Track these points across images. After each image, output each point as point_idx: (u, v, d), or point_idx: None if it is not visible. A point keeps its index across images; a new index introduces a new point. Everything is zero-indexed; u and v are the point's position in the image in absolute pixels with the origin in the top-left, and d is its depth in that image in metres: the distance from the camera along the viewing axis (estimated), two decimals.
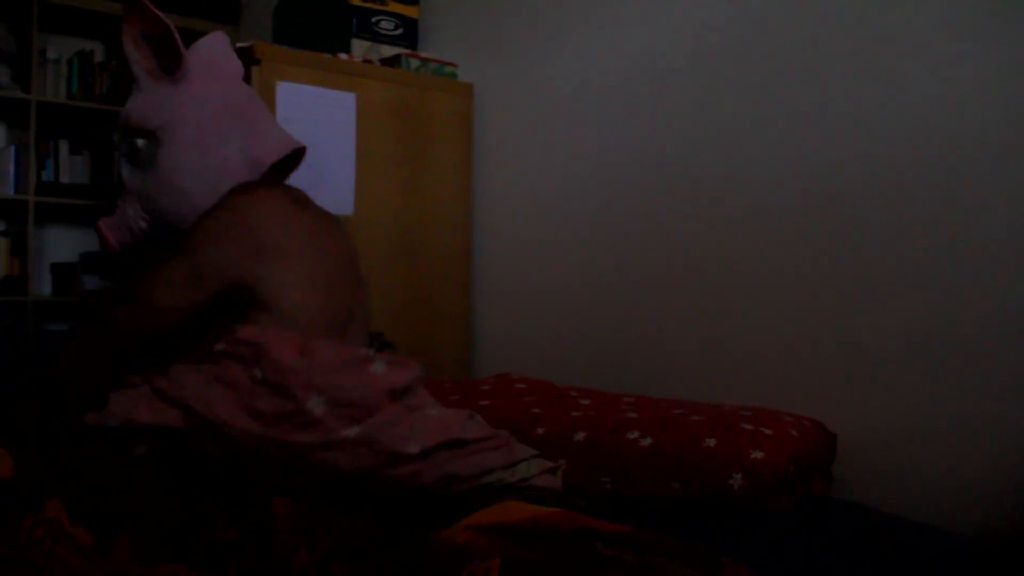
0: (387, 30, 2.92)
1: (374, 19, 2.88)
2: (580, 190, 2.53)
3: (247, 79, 2.40)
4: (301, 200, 1.63)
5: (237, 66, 1.73)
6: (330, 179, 2.51)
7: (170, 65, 1.57)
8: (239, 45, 2.51)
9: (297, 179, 2.44)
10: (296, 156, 1.75)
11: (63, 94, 3.98)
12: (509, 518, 1.06)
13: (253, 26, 4.05)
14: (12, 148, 3.85)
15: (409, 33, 2.96)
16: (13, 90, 3.74)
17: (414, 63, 2.77)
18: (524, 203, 2.70)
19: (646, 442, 1.63)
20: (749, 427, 1.62)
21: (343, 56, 2.68)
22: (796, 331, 2.01)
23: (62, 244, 4.09)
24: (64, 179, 3.95)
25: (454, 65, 2.87)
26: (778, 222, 2.05)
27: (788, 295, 2.03)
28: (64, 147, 3.97)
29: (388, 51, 2.86)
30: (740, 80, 2.15)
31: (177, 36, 1.55)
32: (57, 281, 3.97)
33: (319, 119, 2.49)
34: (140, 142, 1.56)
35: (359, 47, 2.83)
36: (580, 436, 1.70)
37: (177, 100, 1.57)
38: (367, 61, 2.72)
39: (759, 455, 1.52)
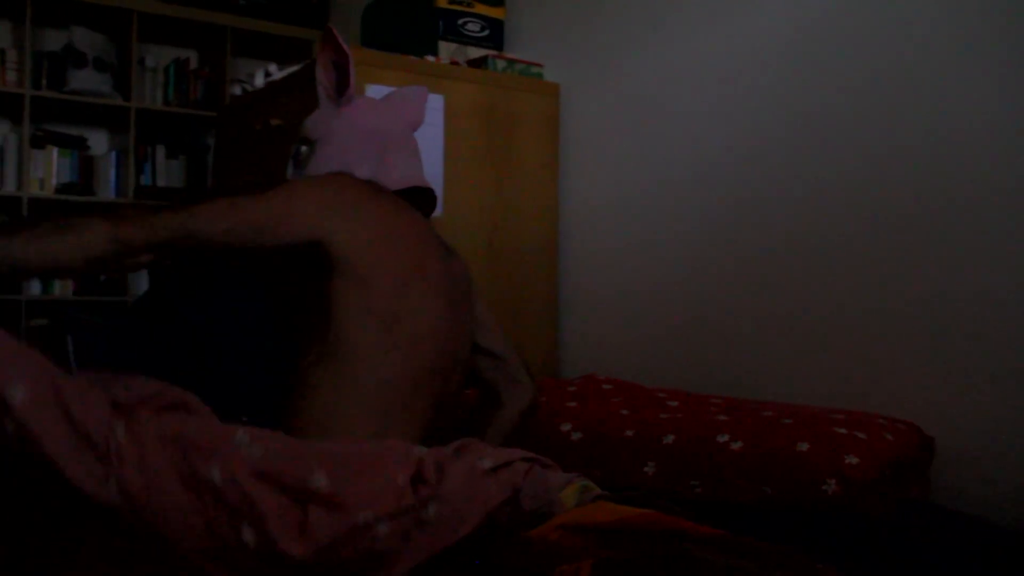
0: (473, 32, 2.94)
1: (460, 21, 2.90)
2: (668, 189, 2.50)
3: None
4: (404, 207, 1.61)
5: (412, 113, 1.81)
6: None
7: (340, 89, 1.73)
8: None
9: None
10: (430, 199, 1.77)
11: (160, 101, 4.11)
12: (600, 518, 1.05)
13: (341, 30, 4.10)
14: (113, 153, 3.99)
15: (495, 34, 2.97)
16: (114, 98, 3.88)
17: (500, 64, 2.78)
18: (611, 203, 2.69)
19: (737, 446, 1.60)
20: (843, 431, 1.58)
21: (430, 58, 2.71)
22: (892, 331, 1.96)
23: None
24: (161, 182, 4.08)
25: (540, 65, 2.87)
26: (874, 219, 2.00)
27: (883, 294, 1.98)
28: (161, 151, 4.10)
29: (474, 53, 2.88)
30: (836, 70, 2.10)
31: (351, 66, 1.72)
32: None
33: None
34: (303, 148, 1.72)
35: (446, 49, 2.86)
36: (669, 439, 1.69)
37: (336, 119, 1.71)
38: (454, 63, 2.75)
39: (853, 460, 1.49)
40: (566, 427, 1.74)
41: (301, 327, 1.53)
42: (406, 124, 1.79)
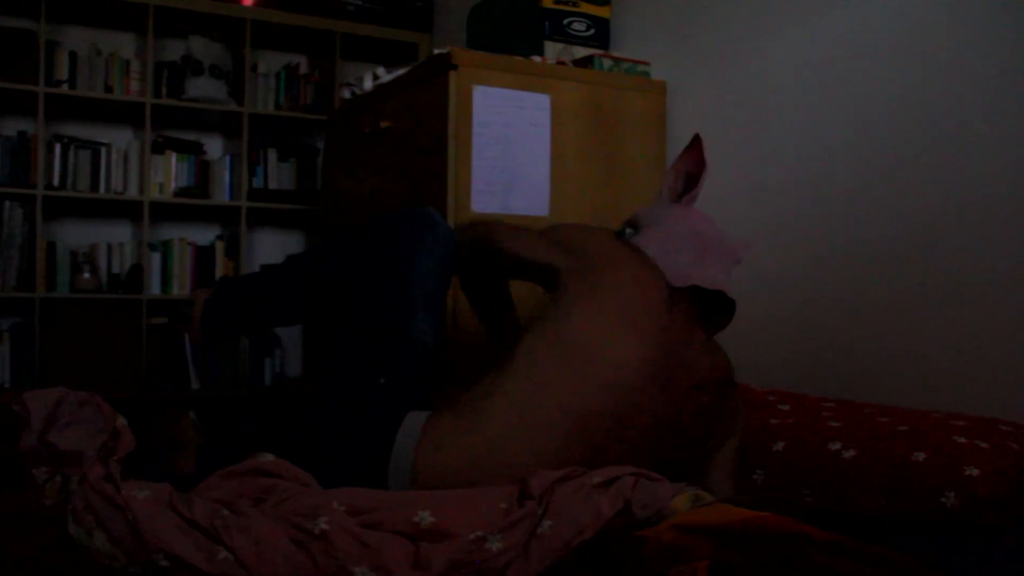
0: (579, 31, 2.93)
1: (566, 21, 2.90)
2: (780, 188, 2.45)
3: (443, 85, 2.48)
4: (664, 290, 1.64)
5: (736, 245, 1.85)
6: (525, 180, 2.54)
7: (684, 194, 1.84)
8: (436, 51, 2.59)
9: (491, 181, 2.50)
10: (727, 307, 1.78)
11: (271, 105, 4.22)
12: (717, 519, 1.03)
13: (446, 33, 4.16)
14: (227, 157, 4.12)
15: (601, 33, 2.96)
16: (228, 104, 4.00)
17: (607, 63, 2.77)
18: (722, 202, 2.63)
19: (849, 454, 1.56)
20: (962, 440, 1.51)
21: (536, 58, 2.71)
22: (1018, 332, 1.87)
23: (270, 246, 4.33)
24: (272, 185, 4.19)
25: (646, 63, 2.85)
26: (1001, 215, 1.92)
27: (1010, 292, 1.89)
28: (272, 155, 4.21)
29: (580, 52, 2.87)
30: (962, 65, 2.02)
31: (704, 178, 1.82)
32: None
33: (513, 121, 2.53)
34: (628, 230, 1.82)
35: (552, 49, 2.86)
36: (779, 446, 1.65)
37: (669, 211, 1.82)
38: (560, 63, 2.74)
39: (974, 472, 1.42)
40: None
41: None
42: (716, 232, 1.81)
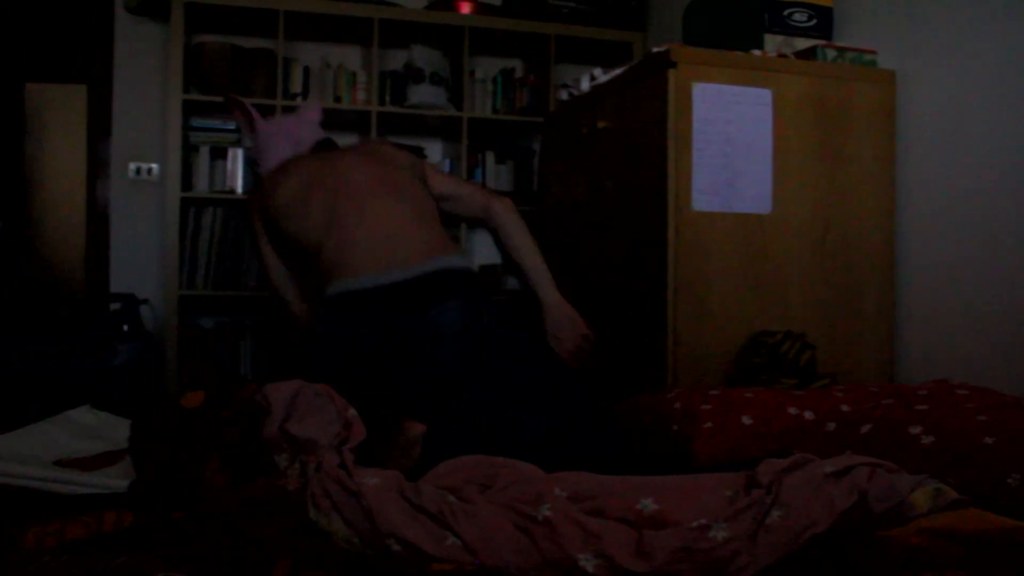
0: (800, 22, 2.84)
1: (786, 12, 2.82)
2: None
3: (662, 83, 2.47)
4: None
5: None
6: (746, 178, 2.50)
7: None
8: (654, 50, 2.58)
9: (713, 178, 2.47)
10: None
11: (489, 109, 4.34)
12: (972, 526, 0.98)
13: (661, 31, 4.14)
14: (447, 161, 4.27)
15: (823, 23, 2.86)
16: (448, 109, 4.14)
17: (830, 54, 2.68)
18: (957, 198, 2.49)
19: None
20: None
21: (756, 52, 2.66)
22: None
23: (488, 247, 4.44)
24: (490, 187, 4.30)
25: (873, 52, 2.73)
26: None
27: None
28: (490, 158, 4.33)
29: (802, 43, 2.78)
30: None
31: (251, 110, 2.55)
32: (483, 282, 4.34)
33: (734, 118, 2.49)
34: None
35: (772, 42, 2.79)
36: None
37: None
38: (781, 56, 2.68)
39: None
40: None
41: None
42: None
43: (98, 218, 4.19)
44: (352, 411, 1.61)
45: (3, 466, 1.60)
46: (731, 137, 2.49)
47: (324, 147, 2.49)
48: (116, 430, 1.97)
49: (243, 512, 1.32)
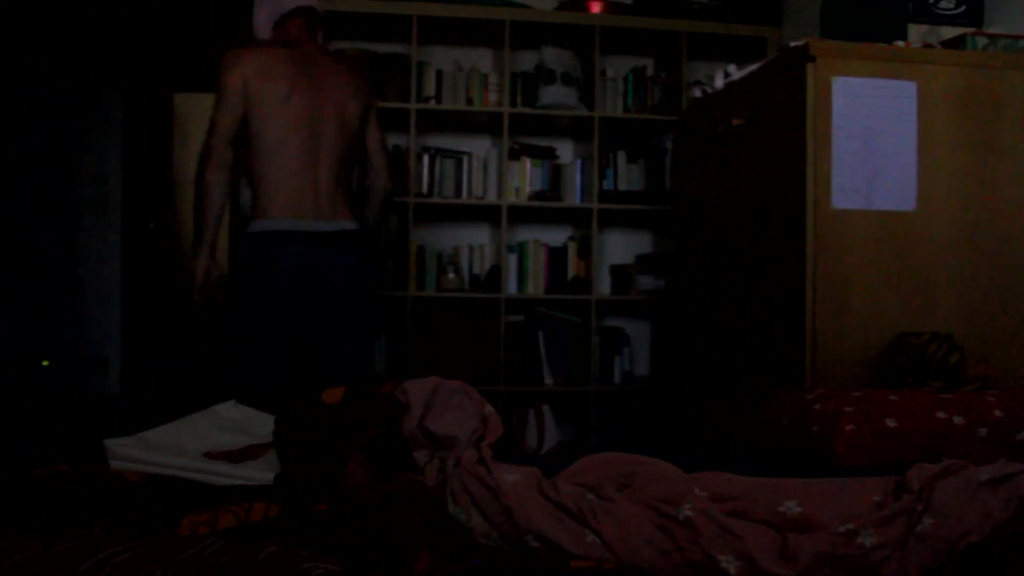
0: (947, 9, 2.73)
1: (932, 0, 2.71)
2: None
3: (800, 78, 2.41)
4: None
5: None
6: (889, 174, 2.41)
7: None
8: (791, 44, 2.52)
9: (853, 177, 2.39)
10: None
11: (620, 109, 4.32)
12: None
13: (797, 24, 4.04)
14: (578, 161, 4.27)
15: (973, 9, 2.74)
16: (579, 109, 4.15)
17: (980, 42, 2.56)
18: None
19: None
20: None
21: (899, 43, 2.56)
22: None
23: (619, 247, 4.44)
24: (622, 186, 4.28)
25: None
26: None
27: None
28: (622, 157, 4.31)
29: (949, 32, 2.67)
30: None
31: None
32: (615, 281, 4.35)
33: (876, 112, 2.41)
34: None
35: (916, 32, 2.69)
36: None
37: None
38: (927, 46, 2.58)
39: None
40: None
41: None
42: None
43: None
44: (489, 407, 1.63)
45: (159, 457, 1.69)
46: (873, 132, 2.41)
47: (302, 14, 2.85)
48: (259, 424, 2.05)
49: (384, 506, 1.35)
